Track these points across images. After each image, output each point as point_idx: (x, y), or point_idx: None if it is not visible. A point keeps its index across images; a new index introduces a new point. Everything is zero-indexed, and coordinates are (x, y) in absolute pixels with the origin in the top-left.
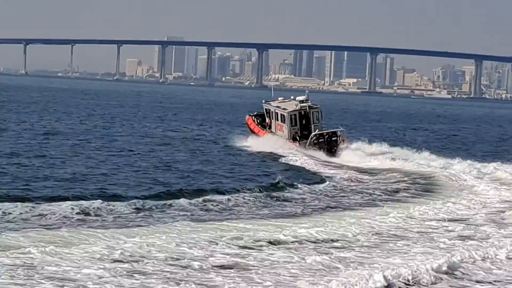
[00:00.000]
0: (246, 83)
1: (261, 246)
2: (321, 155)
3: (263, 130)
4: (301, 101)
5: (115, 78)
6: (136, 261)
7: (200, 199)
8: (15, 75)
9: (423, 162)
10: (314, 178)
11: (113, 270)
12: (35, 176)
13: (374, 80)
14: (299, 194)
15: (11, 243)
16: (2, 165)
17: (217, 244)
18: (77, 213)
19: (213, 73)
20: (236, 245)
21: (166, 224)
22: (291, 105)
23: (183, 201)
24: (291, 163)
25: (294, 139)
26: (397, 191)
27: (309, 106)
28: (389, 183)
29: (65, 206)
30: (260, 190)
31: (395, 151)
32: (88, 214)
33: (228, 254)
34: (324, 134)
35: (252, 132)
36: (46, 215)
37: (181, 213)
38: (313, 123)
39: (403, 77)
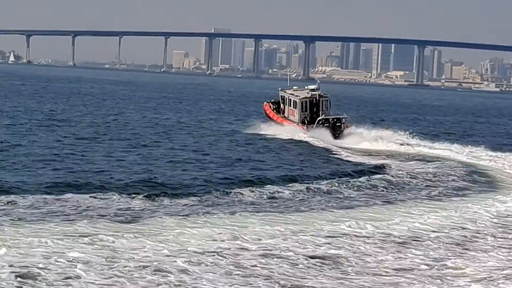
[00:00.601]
0: (293, 76)
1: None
2: (326, 134)
3: (278, 115)
4: (312, 90)
5: (162, 70)
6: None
7: (270, 190)
8: (63, 66)
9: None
10: (361, 166)
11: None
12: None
13: (422, 73)
14: (369, 184)
15: None
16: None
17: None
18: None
19: (260, 65)
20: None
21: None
22: (303, 93)
23: (249, 192)
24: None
25: (303, 122)
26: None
27: (319, 95)
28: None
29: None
30: (327, 179)
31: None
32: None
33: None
34: (330, 119)
35: (268, 116)
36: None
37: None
38: (322, 110)
39: (450, 70)
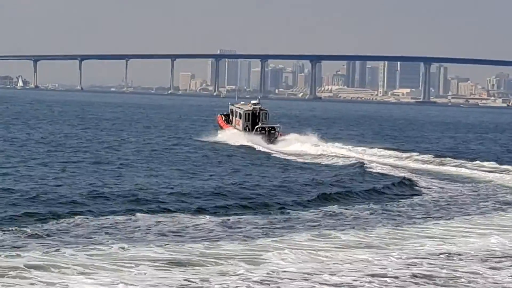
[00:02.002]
0: (300, 95)
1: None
2: (261, 140)
3: (227, 124)
4: (254, 104)
5: (169, 92)
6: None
7: (325, 210)
8: (71, 90)
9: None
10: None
11: None
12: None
13: (428, 90)
14: (416, 201)
15: None
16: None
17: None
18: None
19: (266, 85)
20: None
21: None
22: (247, 107)
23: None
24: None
25: (245, 130)
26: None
27: (259, 108)
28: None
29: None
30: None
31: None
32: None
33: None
34: (266, 127)
35: (219, 126)
36: None
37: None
38: (261, 120)
39: (457, 86)
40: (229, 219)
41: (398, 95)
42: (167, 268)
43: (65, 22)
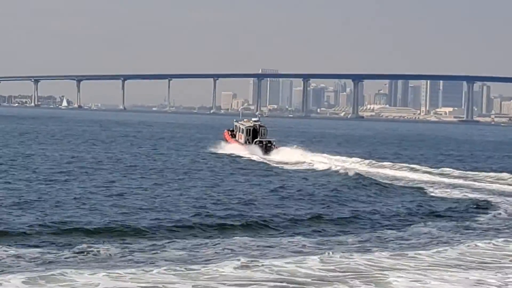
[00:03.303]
0: (342, 114)
1: None
2: (258, 150)
3: (232, 138)
4: (255, 121)
5: (211, 111)
6: None
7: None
8: (114, 110)
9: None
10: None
11: None
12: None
13: (471, 109)
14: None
15: None
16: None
17: None
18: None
19: (308, 104)
20: None
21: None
22: (248, 123)
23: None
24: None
25: (246, 143)
26: None
27: (259, 125)
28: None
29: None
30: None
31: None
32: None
33: None
34: (263, 141)
35: (225, 140)
36: None
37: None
38: (260, 135)
39: (500, 105)
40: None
41: (441, 114)
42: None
43: (108, 42)
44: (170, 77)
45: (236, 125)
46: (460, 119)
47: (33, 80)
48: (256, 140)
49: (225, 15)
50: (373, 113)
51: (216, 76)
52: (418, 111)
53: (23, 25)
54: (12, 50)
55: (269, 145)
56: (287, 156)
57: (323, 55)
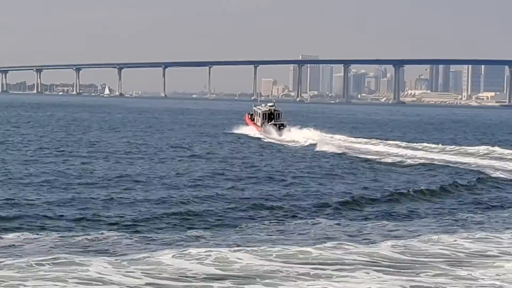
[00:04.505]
0: (383, 100)
1: None
2: (273, 131)
3: (251, 121)
4: (271, 106)
5: (252, 98)
6: None
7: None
8: (155, 98)
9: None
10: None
11: None
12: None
13: None
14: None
15: None
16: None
17: None
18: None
19: (349, 90)
20: None
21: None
22: (265, 108)
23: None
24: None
25: (262, 125)
26: None
27: (274, 109)
28: None
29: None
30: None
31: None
32: None
33: None
34: (277, 123)
35: (246, 122)
36: None
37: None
38: (275, 118)
39: None
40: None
41: (483, 99)
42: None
43: (149, 30)
44: (210, 64)
45: (254, 110)
46: (502, 103)
47: (74, 68)
48: (271, 123)
49: (264, 2)
50: (414, 99)
51: (256, 63)
52: (460, 96)
53: (63, 15)
54: (53, 39)
55: (281, 127)
56: (295, 136)
57: (363, 41)
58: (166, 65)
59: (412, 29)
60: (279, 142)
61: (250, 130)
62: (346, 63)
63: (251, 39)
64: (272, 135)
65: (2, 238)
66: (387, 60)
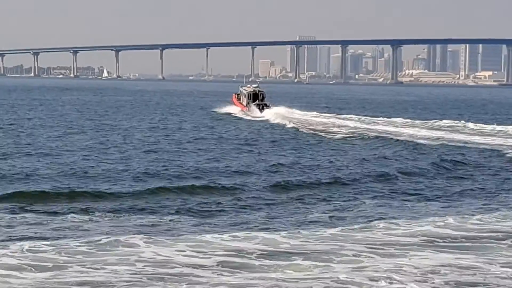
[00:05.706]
0: (380, 80)
1: None
2: (257, 111)
3: (237, 101)
4: (255, 87)
5: (250, 79)
6: None
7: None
8: (153, 80)
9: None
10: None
11: None
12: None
13: (511, 72)
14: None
15: None
16: None
17: None
18: None
19: (347, 70)
20: None
21: None
22: (250, 89)
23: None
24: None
25: (247, 105)
26: None
27: (258, 90)
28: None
29: None
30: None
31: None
32: None
33: None
34: (260, 104)
35: (233, 102)
36: None
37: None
38: (259, 99)
39: None
40: None
41: (481, 78)
42: None
43: (145, 12)
44: (208, 46)
45: (240, 90)
46: (500, 82)
47: (71, 51)
48: (254, 103)
49: None
50: (412, 79)
51: (253, 44)
52: (457, 76)
53: None
54: (50, 22)
55: (264, 106)
56: (273, 113)
57: (361, 21)
58: (164, 47)
59: (409, 8)
60: (255, 119)
61: (235, 109)
62: (344, 43)
63: (249, 20)
64: (254, 113)
65: None
66: (384, 40)
